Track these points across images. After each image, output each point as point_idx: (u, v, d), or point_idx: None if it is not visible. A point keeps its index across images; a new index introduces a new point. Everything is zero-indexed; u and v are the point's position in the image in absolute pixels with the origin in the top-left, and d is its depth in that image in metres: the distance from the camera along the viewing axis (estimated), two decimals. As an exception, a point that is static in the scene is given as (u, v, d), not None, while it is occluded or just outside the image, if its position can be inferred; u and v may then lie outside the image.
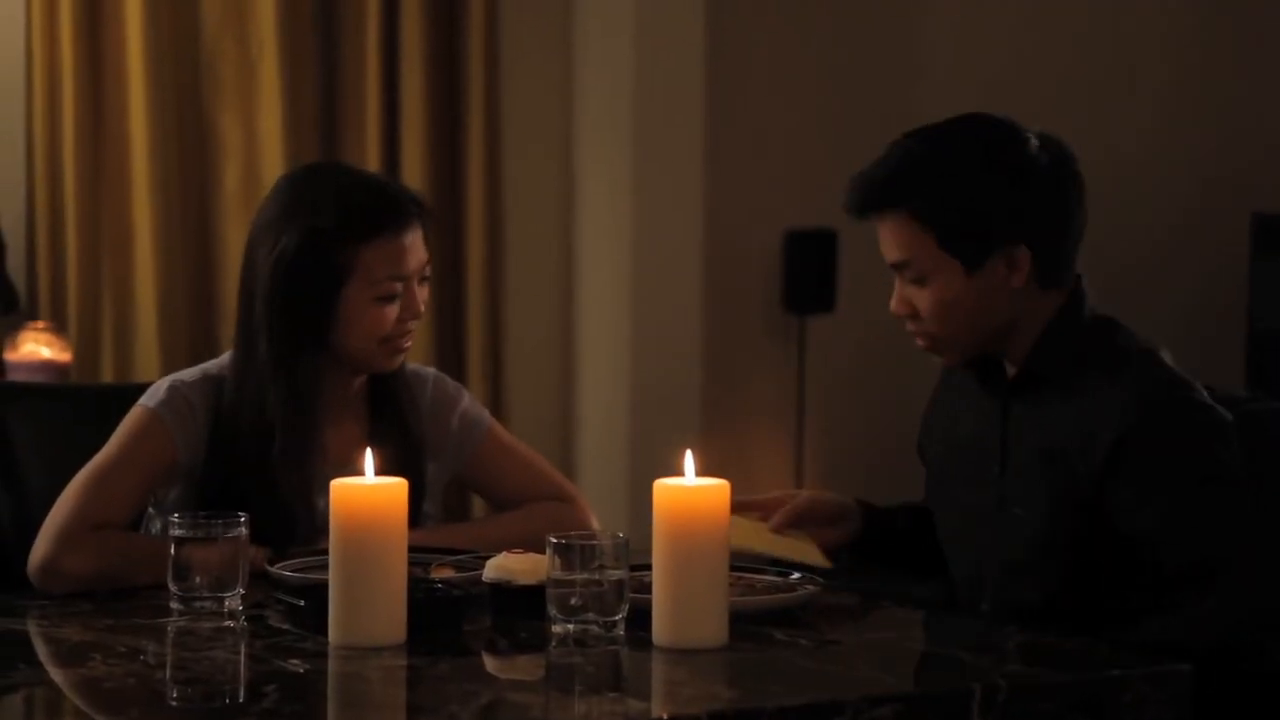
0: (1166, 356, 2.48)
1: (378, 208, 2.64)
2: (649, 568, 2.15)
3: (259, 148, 4.65)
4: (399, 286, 2.64)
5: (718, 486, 2.13)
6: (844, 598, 2.45)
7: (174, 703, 1.96)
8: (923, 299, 2.45)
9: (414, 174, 4.73)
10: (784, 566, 2.46)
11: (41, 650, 2.16)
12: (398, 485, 2.15)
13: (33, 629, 2.27)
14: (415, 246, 2.66)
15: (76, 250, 4.53)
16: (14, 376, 4.26)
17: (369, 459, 2.21)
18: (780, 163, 5.09)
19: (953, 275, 2.43)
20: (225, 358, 2.75)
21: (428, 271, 2.71)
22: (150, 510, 2.72)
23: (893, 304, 2.49)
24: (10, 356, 4.33)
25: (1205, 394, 2.45)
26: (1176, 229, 5.51)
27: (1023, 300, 2.47)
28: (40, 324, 4.42)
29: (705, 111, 4.94)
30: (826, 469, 5.11)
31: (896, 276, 2.48)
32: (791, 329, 5.04)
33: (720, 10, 4.97)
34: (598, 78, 4.99)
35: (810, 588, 2.38)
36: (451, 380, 2.88)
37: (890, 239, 2.45)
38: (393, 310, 2.65)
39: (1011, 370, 2.52)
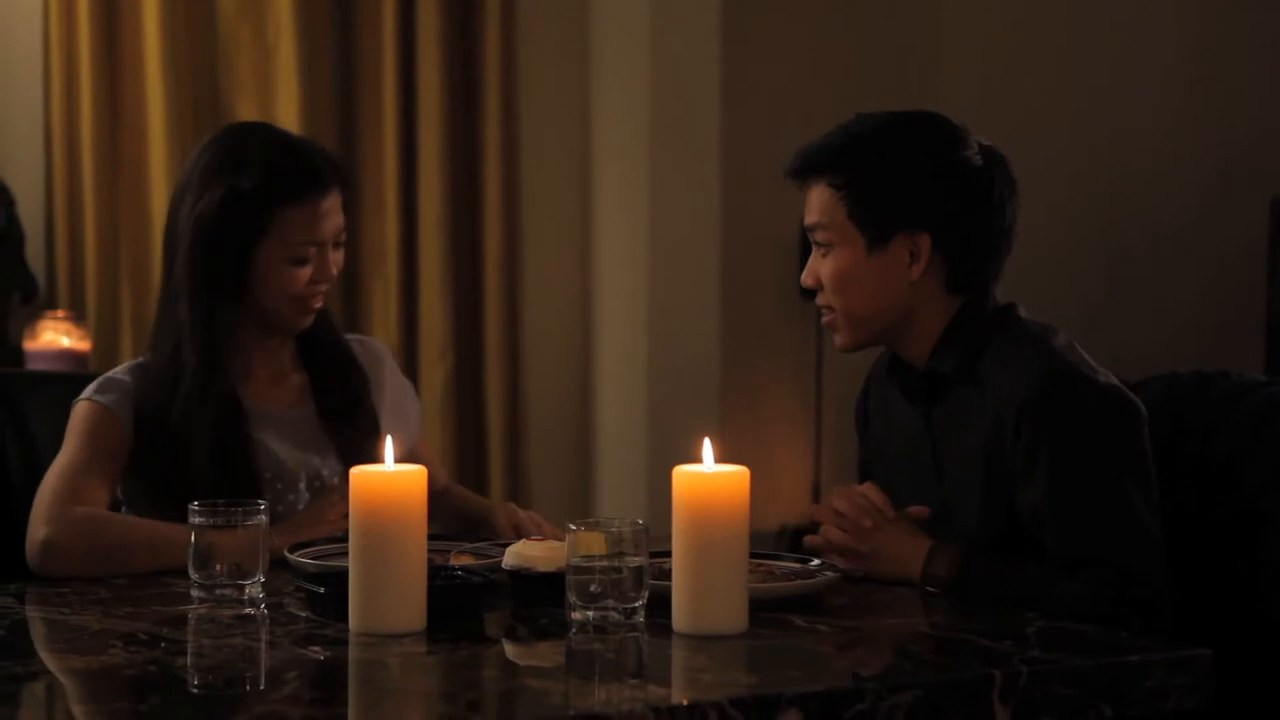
0: (1064, 338, 2.48)
1: (299, 172, 2.71)
2: (669, 554, 2.15)
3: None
4: (312, 250, 2.73)
5: (737, 473, 2.13)
6: (863, 585, 2.45)
7: (195, 690, 1.96)
8: (826, 268, 2.53)
9: (430, 162, 4.74)
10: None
11: (62, 638, 2.16)
12: (417, 472, 2.15)
13: (53, 616, 2.27)
14: (331, 212, 2.74)
15: (95, 239, 4.54)
16: (33, 365, 4.28)
17: (389, 447, 2.21)
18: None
19: (855, 249, 2.50)
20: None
21: (342, 238, 2.80)
22: (123, 507, 2.74)
23: (803, 275, 2.57)
24: (30, 345, 4.34)
25: (1110, 377, 2.45)
26: (1195, 214, 5.51)
27: (925, 297, 2.51)
28: (59, 313, 4.44)
29: (722, 96, 4.94)
30: (845, 453, 5.10)
31: (813, 248, 2.56)
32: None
33: (737, -3, 4.97)
34: (614, 63, 4.99)
35: (830, 574, 2.38)
36: (391, 356, 2.98)
37: (811, 203, 2.55)
38: (305, 272, 2.73)
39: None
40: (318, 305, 2.77)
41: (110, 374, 2.76)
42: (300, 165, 2.71)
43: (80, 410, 2.71)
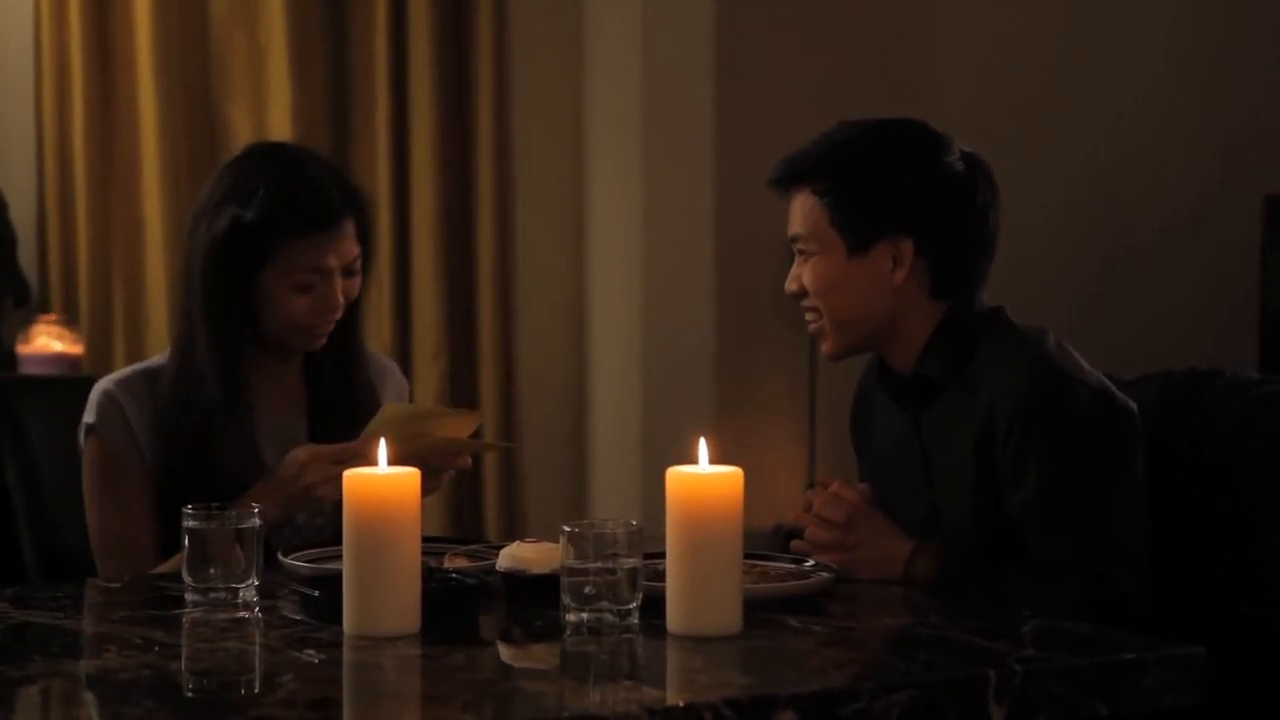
0: (1055, 341, 2.48)
1: (305, 205, 2.68)
2: (663, 555, 2.15)
3: (268, 139, 4.64)
4: (316, 279, 2.70)
5: (731, 474, 2.13)
6: (858, 585, 2.46)
7: (190, 694, 1.96)
8: (807, 274, 2.53)
9: (423, 163, 4.73)
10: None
11: (57, 642, 2.16)
12: (410, 475, 2.15)
13: (48, 621, 2.27)
14: (339, 243, 2.71)
15: (87, 243, 4.53)
16: (26, 369, 4.27)
17: (382, 447, 2.21)
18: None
19: (836, 255, 2.51)
20: (166, 354, 2.79)
21: (356, 266, 2.76)
22: None
23: (787, 282, 2.57)
24: (22, 349, 4.34)
25: (1103, 380, 2.45)
26: (1189, 212, 5.50)
27: (909, 303, 2.51)
28: (52, 317, 4.43)
29: (715, 99, 4.93)
30: (839, 454, 5.10)
31: (796, 257, 2.56)
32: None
33: (730, -3, 4.97)
34: (608, 63, 4.99)
35: (824, 575, 2.39)
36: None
37: (794, 213, 2.55)
38: (308, 300, 2.71)
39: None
40: (325, 331, 2.75)
41: (106, 385, 2.74)
42: (307, 198, 2.68)
43: (89, 452, 2.72)
